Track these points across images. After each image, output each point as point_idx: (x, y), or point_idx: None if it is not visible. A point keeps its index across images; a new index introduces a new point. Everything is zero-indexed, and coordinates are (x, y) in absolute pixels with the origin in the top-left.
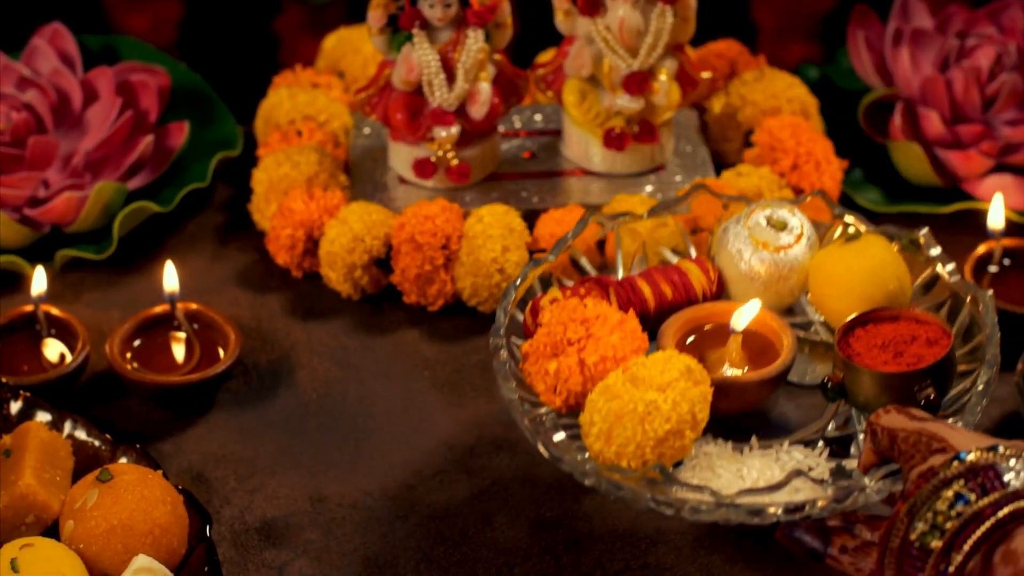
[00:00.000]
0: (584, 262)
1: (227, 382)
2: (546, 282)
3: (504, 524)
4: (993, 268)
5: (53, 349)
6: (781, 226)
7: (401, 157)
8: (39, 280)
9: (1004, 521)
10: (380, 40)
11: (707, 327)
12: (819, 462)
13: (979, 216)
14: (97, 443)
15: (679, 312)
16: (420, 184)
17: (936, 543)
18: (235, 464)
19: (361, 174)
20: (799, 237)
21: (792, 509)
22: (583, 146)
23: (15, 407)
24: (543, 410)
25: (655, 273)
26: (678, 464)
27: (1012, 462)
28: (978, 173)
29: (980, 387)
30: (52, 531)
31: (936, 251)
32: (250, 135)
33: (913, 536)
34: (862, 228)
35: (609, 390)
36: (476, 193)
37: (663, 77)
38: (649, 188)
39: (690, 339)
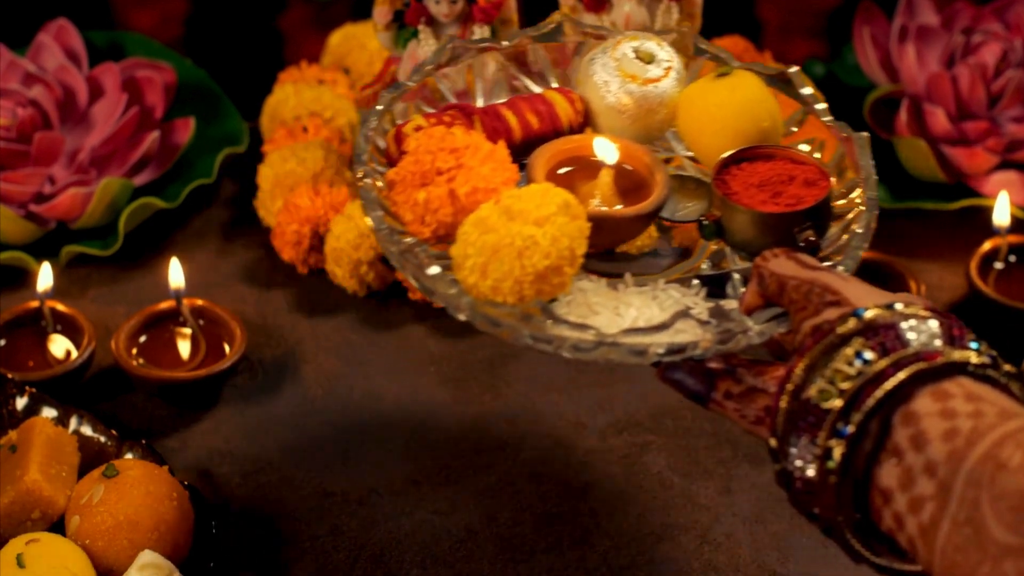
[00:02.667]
0: (444, 89)
1: (233, 378)
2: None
3: (509, 520)
4: (999, 265)
5: (59, 345)
6: (649, 59)
7: None
8: (45, 276)
9: (905, 383)
10: (386, 36)
11: (577, 159)
12: (697, 302)
13: (985, 213)
14: (103, 439)
15: (547, 143)
16: None
17: (834, 403)
18: (241, 460)
19: None
20: (668, 70)
21: (674, 350)
22: None
23: (21, 403)
24: (410, 240)
25: (520, 102)
26: (553, 301)
27: (912, 322)
28: (984, 170)
29: (860, 230)
30: (58, 527)
31: (808, 90)
32: (256, 131)
33: (810, 393)
34: (733, 64)
35: (483, 223)
36: None
37: None
38: None
39: (560, 171)
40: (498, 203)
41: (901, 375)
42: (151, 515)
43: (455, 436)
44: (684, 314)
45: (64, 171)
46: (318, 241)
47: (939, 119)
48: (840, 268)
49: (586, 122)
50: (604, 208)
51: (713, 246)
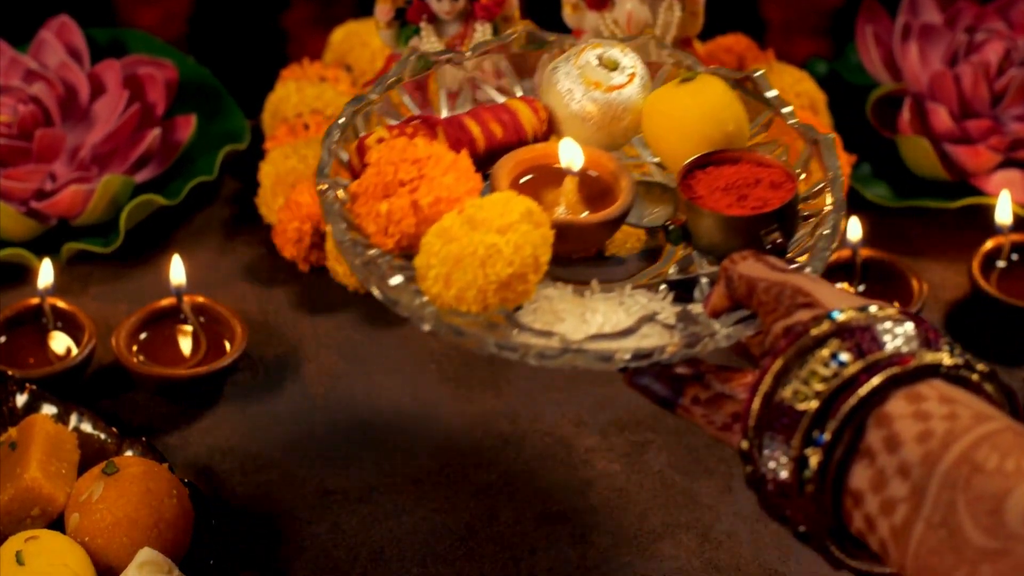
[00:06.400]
0: (407, 100)
1: (234, 375)
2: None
3: (510, 519)
4: (1001, 263)
5: (59, 342)
6: (613, 66)
7: None
8: (45, 273)
9: (880, 387)
10: (388, 34)
11: (541, 167)
12: (664, 306)
13: (987, 211)
14: (103, 436)
15: (511, 152)
16: None
17: (810, 404)
18: (241, 458)
19: None
20: (632, 77)
21: (641, 355)
22: None
23: (21, 400)
24: (374, 252)
25: (483, 112)
26: (518, 308)
27: (887, 324)
28: (986, 168)
29: (827, 231)
30: (58, 524)
31: (772, 93)
32: (257, 128)
33: (784, 395)
34: (697, 69)
35: (446, 232)
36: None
37: None
38: None
39: (524, 180)
40: (461, 213)
41: (875, 380)
42: (151, 513)
43: (456, 434)
44: (650, 319)
45: (65, 168)
46: (319, 238)
47: (942, 117)
48: (808, 270)
49: (550, 131)
50: (568, 215)
51: (680, 251)
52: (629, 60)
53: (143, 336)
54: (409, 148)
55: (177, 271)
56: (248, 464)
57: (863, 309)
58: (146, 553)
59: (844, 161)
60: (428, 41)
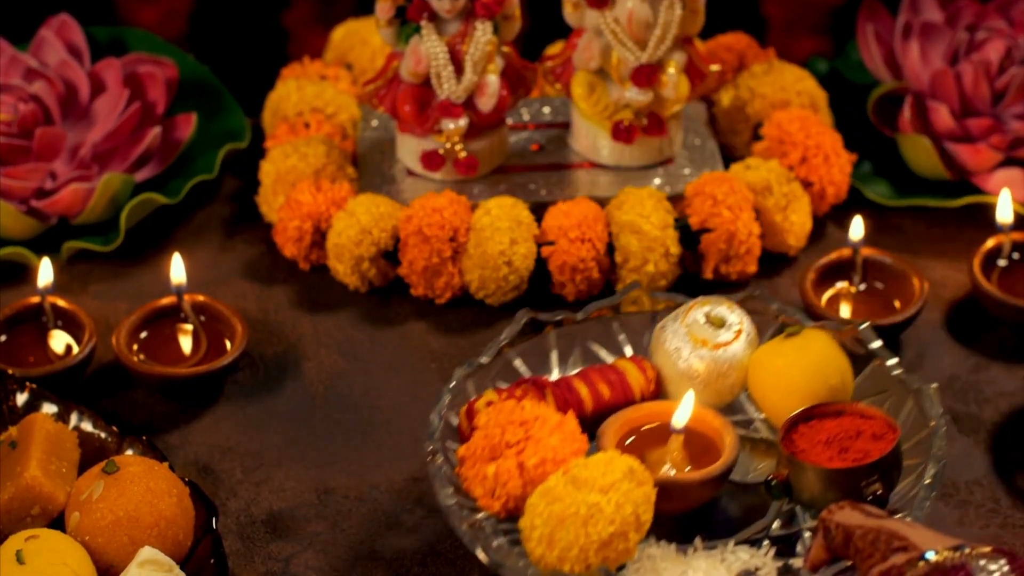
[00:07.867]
0: (518, 363)
1: (234, 374)
2: (480, 384)
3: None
4: (1002, 262)
5: (59, 341)
6: (719, 323)
7: (409, 149)
8: (46, 272)
9: None
10: (388, 32)
11: (647, 427)
12: (766, 562)
13: (988, 210)
14: (103, 435)
15: (618, 412)
16: (428, 176)
17: None
18: (241, 456)
19: (369, 166)
20: (738, 334)
21: None
22: (591, 139)
23: (21, 398)
24: (481, 515)
25: (592, 373)
26: (621, 567)
27: (982, 562)
28: (987, 167)
29: (928, 481)
30: (58, 523)
31: (876, 344)
32: (258, 127)
33: None
34: (803, 324)
35: (550, 493)
36: (484, 185)
37: (672, 70)
38: (657, 181)
39: (630, 439)
40: (565, 473)
41: None
42: (151, 511)
43: None
44: (748, 573)
45: (65, 167)
46: (320, 237)
47: (943, 116)
48: (908, 519)
49: (658, 390)
50: (673, 473)
51: (783, 505)
52: (735, 317)
53: (143, 335)
54: (516, 410)
55: (177, 270)
56: (248, 462)
57: (957, 549)
58: (147, 552)
59: (845, 160)
60: (429, 39)
